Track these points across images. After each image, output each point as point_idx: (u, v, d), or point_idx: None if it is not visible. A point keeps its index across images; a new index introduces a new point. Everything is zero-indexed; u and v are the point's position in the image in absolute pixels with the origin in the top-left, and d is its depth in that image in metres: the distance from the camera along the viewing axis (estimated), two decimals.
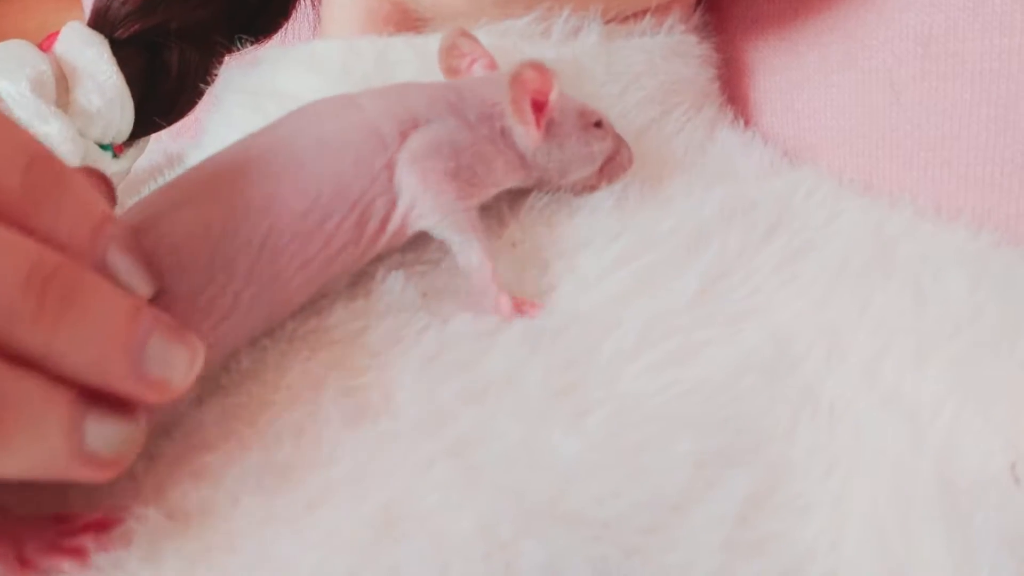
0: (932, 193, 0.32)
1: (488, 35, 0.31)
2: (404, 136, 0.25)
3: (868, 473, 0.22)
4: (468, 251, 0.25)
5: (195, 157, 0.32)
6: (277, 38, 0.48)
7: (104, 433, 0.18)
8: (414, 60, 0.31)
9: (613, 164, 0.29)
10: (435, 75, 0.30)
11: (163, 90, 0.41)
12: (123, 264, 0.19)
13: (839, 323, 0.26)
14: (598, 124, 0.28)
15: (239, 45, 0.42)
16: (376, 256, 0.26)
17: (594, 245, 0.28)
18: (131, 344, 0.18)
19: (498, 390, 0.23)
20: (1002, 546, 0.21)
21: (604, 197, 0.29)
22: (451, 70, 0.29)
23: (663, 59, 0.34)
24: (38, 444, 0.17)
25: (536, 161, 0.28)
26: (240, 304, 0.23)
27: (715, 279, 0.27)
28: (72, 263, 0.18)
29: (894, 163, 0.33)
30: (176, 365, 0.19)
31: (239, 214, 0.23)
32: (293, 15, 0.49)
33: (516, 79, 0.26)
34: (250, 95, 0.34)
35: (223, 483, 0.21)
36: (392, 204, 0.25)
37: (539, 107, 0.26)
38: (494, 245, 0.27)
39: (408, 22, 0.34)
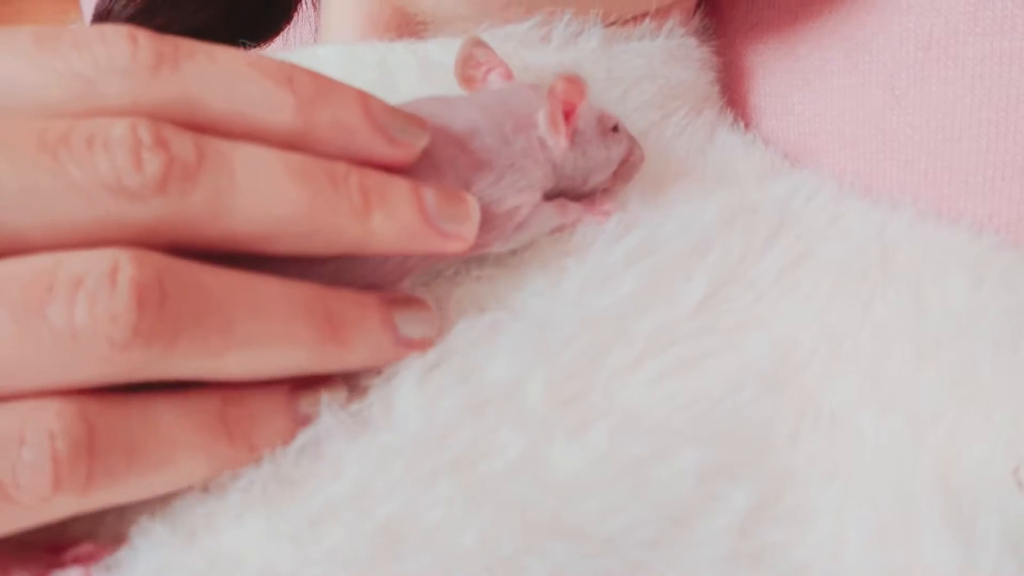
0: (933, 196, 0.32)
1: (489, 40, 0.31)
2: (456, 167, 0.25)
3: (869, 479, 0.22)
4: (548, 227, 0.27)
5: None
6: (279, 41, 0.48)
7: (410, 320, 0.24)
8: (415, 66, 0.31)
9: (627, 165, 0.30)
10: (435, 81, 0.30)
11: None
12: (398, 123, 0.23)
13: (840, 329, 0.26)
14: (615, 129, 0.29)
15: (241, 48, 0.42)
16: None
17: (596, 248, 0.28)
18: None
19: (499, 402, 0.23)
20: (1005, 550, 0.21)
21: (605, 200, 0.29)
22: (467, 80, 0.30)
23: (663, 63, 0.34)
24: (369, 342, 0.23)
25: (563, 170, 0.28)
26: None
27: (718, 287, 0.27)
28: (365, 170, 0.22)
29: (895, 166, 0.33)
30: (461, 220, 0.24)
31: None
32: (295, 18, 0.49)
33: (552, 92, 0.26)
34: None
35: (227, 497, 0.21)
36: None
37: (566, 116, 0.27)
38: (493, 256, 0.28)
39: (409, 27, 0.34)
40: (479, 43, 0.29)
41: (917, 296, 0.26)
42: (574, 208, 0.28)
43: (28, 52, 0.20)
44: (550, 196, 0.28)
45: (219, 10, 0.43)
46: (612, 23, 0.34)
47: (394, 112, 0.23)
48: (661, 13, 0.35)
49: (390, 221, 0.22)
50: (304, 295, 0.21)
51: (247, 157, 0.21)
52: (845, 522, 0.22)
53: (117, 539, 0.21)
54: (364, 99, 0.23)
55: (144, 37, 0.21)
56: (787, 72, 0.37)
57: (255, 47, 0.46)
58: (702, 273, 0.27)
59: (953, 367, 0.24)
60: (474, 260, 0.27)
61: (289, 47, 0.48)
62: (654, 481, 0.22)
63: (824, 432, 0.24)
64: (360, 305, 0.23)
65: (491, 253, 0.27)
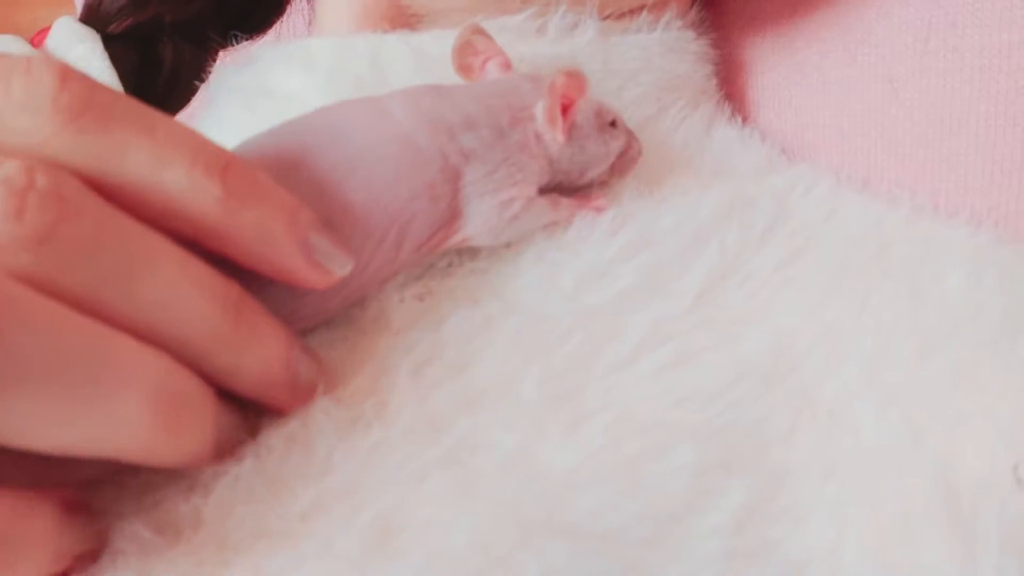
0: (931, 190, 0.31)
1: None
2: (445, 156, 0.25)
3: (867, 476, 0.22)
4: (541, 222, 0.27)
5: None
6: (271, 33, 0.48)
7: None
8: (409, 58, 0.31)
9: (625, 158, 0.29)
10: (430, 73, 0.30)
11: (156, 85, 0.41)
12: (324, 245, 0.22)
13: (838, 324, 0.26)
14: (613, 123, 0.29)
15: (233, 41, 0.42)
16: None
17: (592, 241, 0.27)
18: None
19: (492, 397, 0.23)
20: (1006, 548, 0.20)
21: (600, 195, 0.29)
22: (464, 68, 0.29)
23: (660, 55, 0.34)
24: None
25: (560, 164, 0.28)
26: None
27: (715, 281, 0.27)
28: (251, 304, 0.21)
29: (892, 160, 0.33)
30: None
31: None
32: (288, 10, 0.48)
33: (552, 88, 0.26)
34: (243, 93, 0.33)
35: (213, 493, 0.21)
36: (435, 223, 0.25)
37: (564, 110, 0.27)
38: (488, 248, 0.27)
39: (404, 19, 0.33)
40: (478, 30, 0.29)
41: (915, 291, 0.26)
42: (567, 204, 0.28)
43: None
44: (545, 190, 0.28)
45: (211, 2, 0.43)
46: (608, 16, 0.33)
47: (324, 233, 0.22)
48: (658, 6, 0.35)
49: (257, 364, 0.21)
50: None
51: (150, 249, 0.19)
52: (843, 519, 0.22)
53: (101, 541, 0.21)
54: (295, 212, 0.21)
55: (77, 81, 0.19)
56: (785, 65, 0.37)
57: (248, 39, 0.45)
58: (698, 268, 0.27)
59: (952, 363, 0.24)
60: (467, 252, 0.27)
61: (282, 39, 0.48)
62: (650, 478, 0.22)
63: (822, 428, 0.23)
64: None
65: (485, 246, 0.27)
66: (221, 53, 0.45)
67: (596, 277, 0.26)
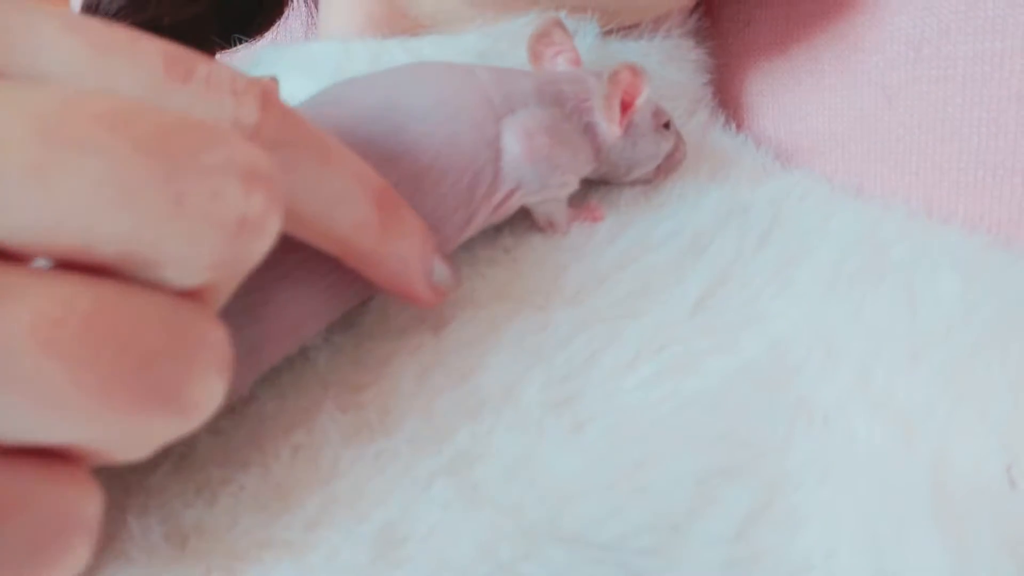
0: (924, 196, 0.32)
1: (483, 39, 0.31)
2: (512, 111, 0.26)
3: (861, 480, 0.22)
4: (553, 218, 0.28)
5: None
6: (269, 35, 0.48)
7: (440, 267, 0.23)
8: (408, 62, 0.31)
9: (672, 160, 0.31)
10: None
11: None
12: (441, 269, 0.23)
13: (834, 330, 0.26)
14: (667, 125, 0.30)
15: (232, 43, 0.42)
16: None
17: (591, 247, 0.28)
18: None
19: (495, 403, 0.23)
20: (1000, 549, 0.21)
21: (597, 202, 0.29)
22: (536, 55, 0.30)
23: (660, 64, 0.34)
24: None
25: (609, 157, 0.29)
26: None
27: (713, 288, 0.27)
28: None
29: (886, 166, 0.33)
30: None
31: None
32: (286, 12, 0.48)
33: (613, 78, 0.27)
34: None
35: (219, 501, 0.21)
36: (497, 174, 0.26)
37: (625, 107, 0.28)
38: (487, 254, 0.28)
39: (407, 27, 0.33)
40: (559, 24, 0.30)
41: (909, 296, 0.26)
42: (563, 217, 0.28)
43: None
44: (588, 181, 0.29)
45: (209, 4, 0.43)
46: (608, 31, 0.33)
47: (440, 257, 0.24)
48: (660, 18, 0.35)
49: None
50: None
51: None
52: (838, 524, 0.22)
53: (108, 539, 0.21)
54: (426, 241, 0.23)
55: (264, 98, 0.19)
56: (779, 72, 0.37)
57: (246, 42, 0.45)
58: (696, 274, 0.27)
59: (945, 366, 0.24)
60: (467, 259, 0.27)
61: (279, 42, 0.48)
62: (653, 486, 0.22)
63: (817, 434, 0.24)
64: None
65: (486, 256, 0.27)
66: (219, 55, 0.45)
67: (597, 283, 0.27)
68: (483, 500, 0.21)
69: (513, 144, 0.26)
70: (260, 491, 0.21)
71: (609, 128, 0.28)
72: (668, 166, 0.31)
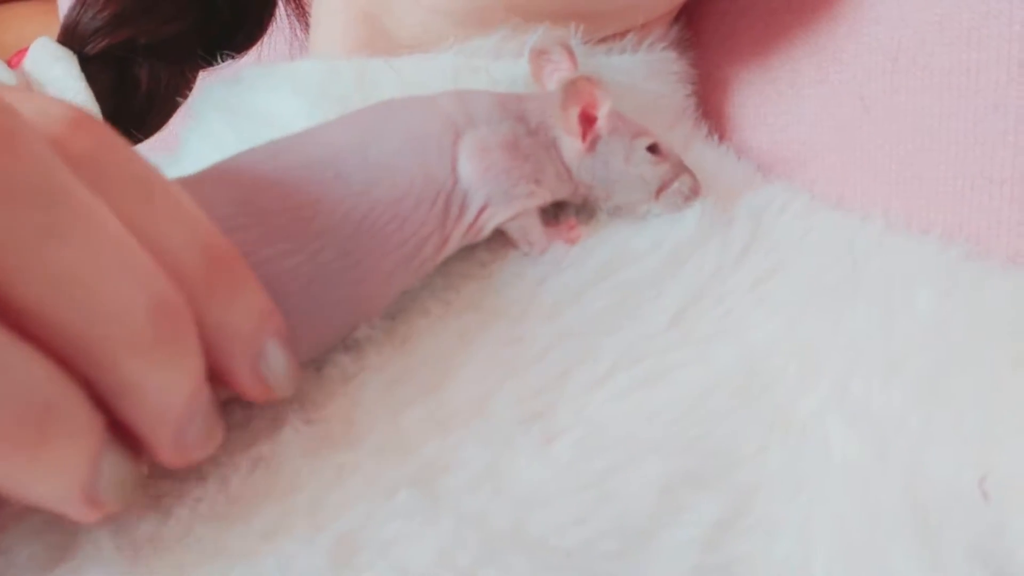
0: (903, 207, 0.32)
1: (458, 55, 0.31)
2: (475, 128, 0.26)
3: (836, 491, 0.22)
4: (528, 235, 0.27)
5: (173, 171, 0.33)
6: (254, 53, 0.48)
7: (117, 472, 0.17)
8: (394, 80, 0.31)
9: (669, 191, 0.28)
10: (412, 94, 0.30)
11: (133, 106, 0.41)
12: (277, 359, 0.20)
13: (811, 342, 0.26)
14: (651, 148, 0.28)
15: (214, 60, 0.42)
16: None
17: (569, 260, 0.27)
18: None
19: (464, 416, 0.23)
20: (973, 561, 0.21)
21: (577, 222, 0.29)
22: (536, 73, 0.30)
23: (643, 79, 0.34)
24: (63, 463, 0.16)
25: (580, 176, 0.28)
26: (325, 272, 0.23)
27: (691, 301, 0.27)
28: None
29: (865, 177, 0.33)
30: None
31: (338, 195, 0.23)
32: (270, 29, 0.49)
33: (568, 88, 0.26)
34: (230, 113, 0.34)
35: (174, 513, 0.21)
36: (466, 195, 0.26)
37: (590, 121, 0.27)
38: (461, 268, 0.27)
39: (391, 47, 0.33)
40: (563, 45, 0.29)
41: (886, 308, 0.26)
42: (539, 234, 0.28)
43: None
44: (564, 204, 0.29)
45: (192, 22, 0.43)
46: (589, 41, 0.33)
47: (280, 348, 0.20)
48: (642, 28, 0.35)
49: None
50: None
51: None
52: (812, 535, 0.22)
53: (63, 552, 0.20)
54: (267, 319, 0.20)
55: (80, 119, 0.18)
56: (759, 83, 0.37)
57: (230, 59, 0.45)
58: (675, 289, 0.27)
59: (920, 378, 0.24)
60: (441, 272, 0.27)
61: (263, 60, 0.48)
62: (618, 491, 0.22)
63: (793, 444, 0.24)
64: (89, 417, 0.17)
65: (460, 270, 0.27)
66: (202, 73, 0.45)
67: (573, 297, 0.26)
68: (446, 509, 0.21)
69: (466, 162, 0.26)
70: (216, 503, 0.21)
71: (570, 143, 0.27)
72: (667, 197, 0.28)
